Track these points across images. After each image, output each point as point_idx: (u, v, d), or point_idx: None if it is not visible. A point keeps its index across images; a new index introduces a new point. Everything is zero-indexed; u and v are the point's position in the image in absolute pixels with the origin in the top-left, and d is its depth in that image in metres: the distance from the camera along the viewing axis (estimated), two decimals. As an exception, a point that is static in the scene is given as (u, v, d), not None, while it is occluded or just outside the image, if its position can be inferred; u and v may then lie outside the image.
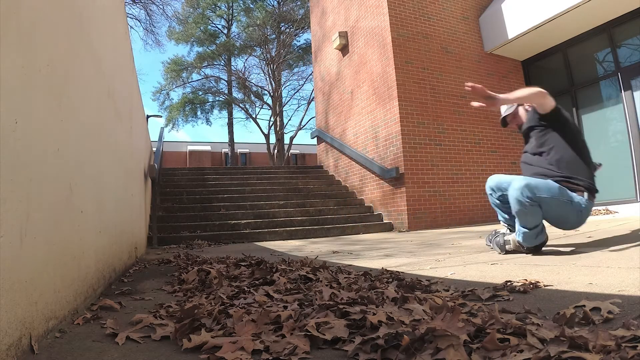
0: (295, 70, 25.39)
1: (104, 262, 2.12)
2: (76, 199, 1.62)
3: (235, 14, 25.33)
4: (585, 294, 1.44)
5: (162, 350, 1.15)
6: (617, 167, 6.54)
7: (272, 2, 24.65)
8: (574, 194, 2.52)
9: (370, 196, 7.61)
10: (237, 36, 25.29)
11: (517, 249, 2.64)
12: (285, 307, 1.42)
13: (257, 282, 2.00)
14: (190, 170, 9.50)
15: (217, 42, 24.64)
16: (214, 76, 25.38)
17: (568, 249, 2.64)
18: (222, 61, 24.92)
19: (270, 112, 24.13)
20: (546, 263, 2.25)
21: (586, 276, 1.77)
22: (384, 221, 7.02)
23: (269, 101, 24.13)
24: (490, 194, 2.86)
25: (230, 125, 25.48)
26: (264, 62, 23.66)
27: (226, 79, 25.20)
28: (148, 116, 15.15)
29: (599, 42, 6.97)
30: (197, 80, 25.20)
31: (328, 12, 9.65)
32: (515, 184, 2.50)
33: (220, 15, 25.15)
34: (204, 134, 71.18)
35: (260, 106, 24.90)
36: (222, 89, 25.64)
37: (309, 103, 23.59)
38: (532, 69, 8.15)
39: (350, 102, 8.42)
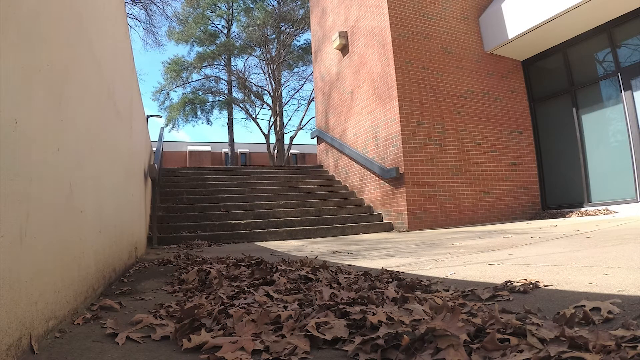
0: (295, 70, 25.38)
1: (104, 262, 2.12)
2: (76, 199, 1.62)
3: (235, 14, 25.32)
4: (585, 294, 1.44)
5: (162, 350, 1.15)
6: (617, 167, 6.53)
7: (272, 2, 24.65)
8: None
9: (370, 196, 7.61)
10: (237, 36, 25.29)
11: None
12: (285, 307, 1.42)
13: (257, 282, 2.00)
14: (190, 170, 9.49)
15: (217, 42, 24.62)
16: (214, 76, 25.38)
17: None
18: (222, 61, 24.90)
19: (270, 112, 24.12)
20: (546, 263, 2.25)
21: (586, 276, 1.77)
22: (384, 221, 7.02)
23: (269, 101, 24.12)
24: None
25: (230, 125, 25.47)
26: (264, 62, 23.65)
27: (226, 79, 25.19)
28: (148, 116, 15.13)
29: (599, 42, 6.96)
30: (197, 80, 25.21)
31: (328, 12, 9.65)
32: None
33: (220, 15, 25.14)
34: (204, 134, 71.16)
35: (260, 106, 24.90)
36: (222, 89, 25.64)
37: (309, 103, 23.59)
38: (532, 69, 8.15)
39: (350, 102, 8.42)
